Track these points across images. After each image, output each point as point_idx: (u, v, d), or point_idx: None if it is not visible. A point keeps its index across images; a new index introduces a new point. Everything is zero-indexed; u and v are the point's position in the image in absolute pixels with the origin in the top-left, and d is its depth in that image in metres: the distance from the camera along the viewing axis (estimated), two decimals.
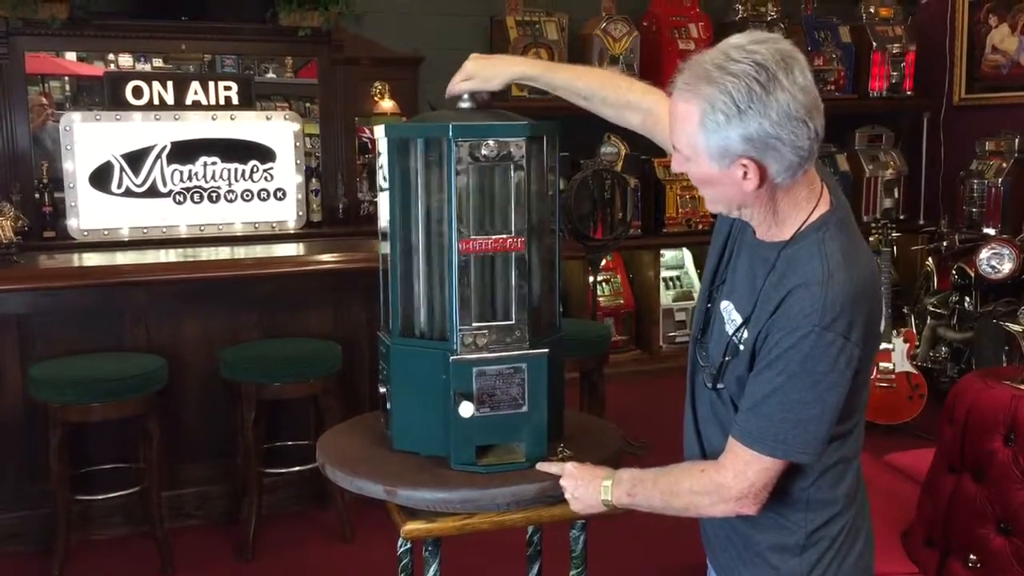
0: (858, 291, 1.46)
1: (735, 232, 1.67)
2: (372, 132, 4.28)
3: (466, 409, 1.82)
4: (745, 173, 1.45)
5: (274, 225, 5.20)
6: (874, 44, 6.55)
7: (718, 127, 1.42)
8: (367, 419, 2.21)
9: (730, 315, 1.58)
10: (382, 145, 1.99)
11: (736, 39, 1.44)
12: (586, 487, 1.73)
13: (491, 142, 1.83)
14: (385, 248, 2.03)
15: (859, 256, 1.51)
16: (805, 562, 1.58)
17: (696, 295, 6.37)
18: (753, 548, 1.63)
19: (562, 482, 1.77)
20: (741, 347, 1.54)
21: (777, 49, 1.41)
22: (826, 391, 1.45)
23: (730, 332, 1.57)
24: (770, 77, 1.39)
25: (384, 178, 1.99)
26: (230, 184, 5.08)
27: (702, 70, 1.43)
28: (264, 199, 5.17)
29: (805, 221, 1.51)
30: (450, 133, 1.82)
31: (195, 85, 5.04)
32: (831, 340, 1.43)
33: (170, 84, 4.99)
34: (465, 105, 1.98)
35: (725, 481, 1.53)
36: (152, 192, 4.95)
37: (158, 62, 6.31)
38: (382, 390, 2.02)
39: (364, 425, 2.16)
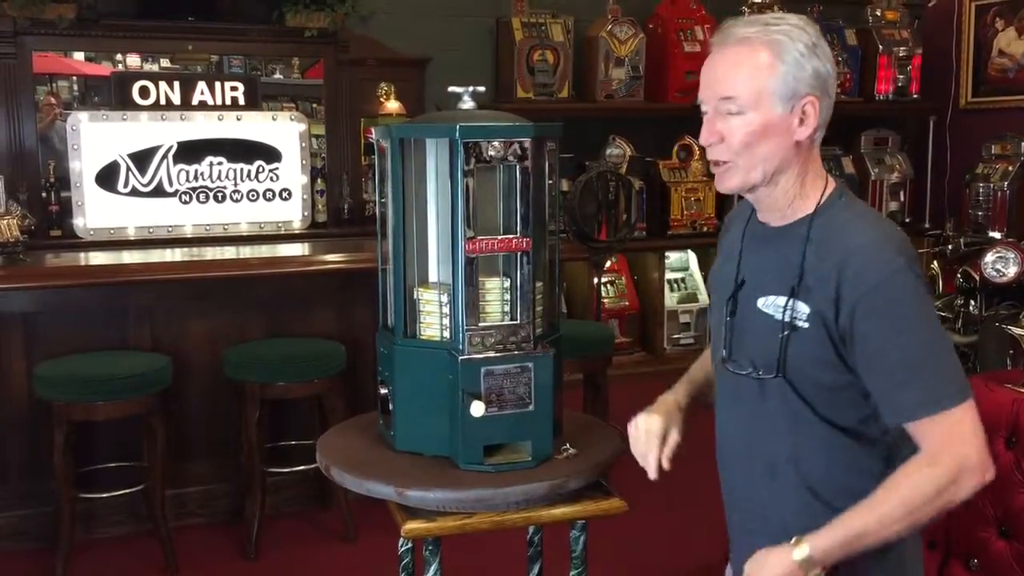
0: (904, 237, 1.53)
1: (731, 238, 1.71)
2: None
3: (477, 408, 1.83)
4: (802, 119, 1.51)
5: (279, 225, 5.21)
6: (880, 47, 6.55)
7: (800, 58, 1.49)
8: (362, 421, 2.22)
9: (773, 304, 1.56)
10: (384, 145, 2.00)
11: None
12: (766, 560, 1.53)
13: (497, 143, 1.84)
14: (384, 248, 2.04)
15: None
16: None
17: (701, 297, 6.39)
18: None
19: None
20: (801, 323, 1.51)
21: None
22: (933, 326, 1.49)
23: (777, 316, 1.54)
24: (817, 30, 1.53)
25: (384, 178, 2.00)
26: (236, 184, 5.10)
27: (756, 25, 1.52)
28: (270, 199, 5.18)
29: (824, 192, 1.57)
30: (456, 134, 1.83)
31: (202, 85, 5.06)
32: (915, 276, 1.46)
33: (177, 84, 5.01)
34: (468, 106, 1.99)
35: (960, 456, 1.43)
36: (158, 192, 4.96)
37: (165, 62, 6.31)
38: (383, 391, 2.03)
39: (360, 427, 2.17)
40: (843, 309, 1.46)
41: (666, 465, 1.67)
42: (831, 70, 1.52)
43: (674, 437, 1.71)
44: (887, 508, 1.45)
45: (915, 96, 6.66)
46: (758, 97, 1.50)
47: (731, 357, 1.63)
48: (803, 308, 1.51)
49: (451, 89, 2.02)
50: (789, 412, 1.55)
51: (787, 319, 1.52)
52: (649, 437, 1.67)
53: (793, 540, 1.48)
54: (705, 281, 6.50)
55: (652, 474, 1.66)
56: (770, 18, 1.53)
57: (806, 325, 1.51)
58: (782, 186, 1.56)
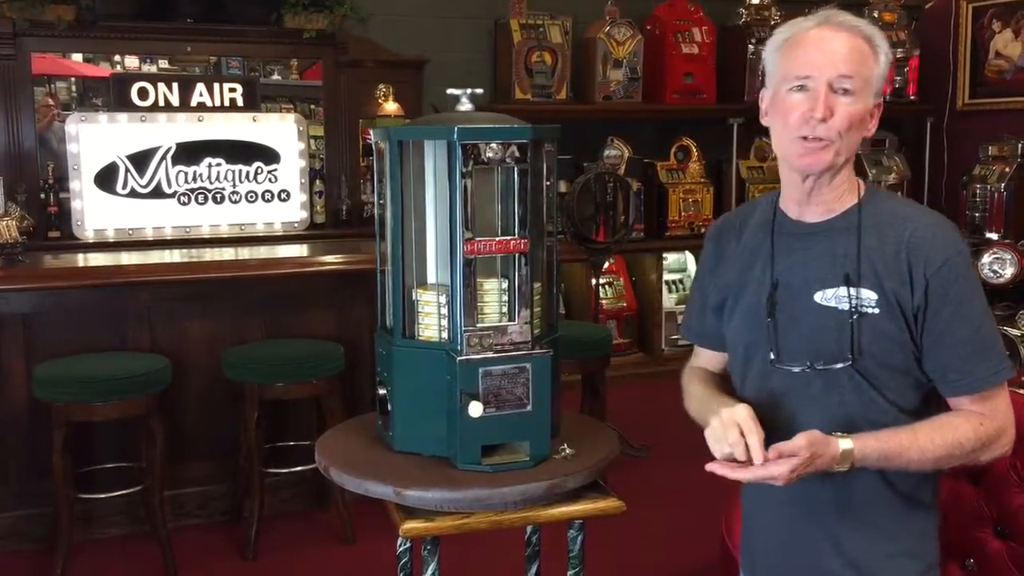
0: None
1: (747, 244, 1.72)
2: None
3: (475, 409, 1.83)
4: (872, 114, 1.60)
5: (278, 226, 5.21)
6: None
7: (884, 62, 1.59)
8: (360, 422, 2.22)
9: (835, 296, 1.59)
10: (383, 146, 2.01)
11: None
12: (820, 446, 1.51)
13: (495, 144, 1.85)
14: (383, 249, 2.05)
15: None
16: (933, 516, 1.70)
17: None
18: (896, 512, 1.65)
19: (787, 461, 1.49)
20: (868, 309, 1.57)
21: None
22: (986, 303, 1.60)
23: (841, 306, 1.58)
24: None
25: (382, 179, 2.01)
26: (234, 185, 5.10)
27: (844, 15, 1.59)
28: (268, 200, 5.18)
29: (860, 186, 1.65)
30: (455, 135, 1.83)
31: (200, 87, 5.06)
32: (970, 255, 1.60)
33: (175, 86, 5.01)
34: (466, 107, 2.00)
35: (1004, 425, 1.59)
36: (157, 193, 4.96)
37: (164, 64, 6.31)
38: (381, 392, 2.04)
39: (358, 428, 2.18)
40: (916, 287, 1.54)
41: (769, 454, 1.50)
42: None
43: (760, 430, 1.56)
44: (931, 443, 1.54)
45: (912, 98, 6.67)
46: (865, 85, 1.57)
47: (780, 360, 1.64)
48: (869, 295, 1.57)
49: (449, 91, 2.03)
50: (858, 400, 1.60)
51: (852, 307, 1.57)
52: (746, 422, 1.52)
53: (838, 433, 1.54)
54: None
55: (758, 456, 1.49)
56: (849, 15, 1.60)
57: (875, 311, 1.57)
58: (842, 175, 1.62)
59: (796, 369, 1.62)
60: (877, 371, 1.58)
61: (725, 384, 1.82)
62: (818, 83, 1.55)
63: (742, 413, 1.54)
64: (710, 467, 1.55)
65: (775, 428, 1.58)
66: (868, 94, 1.57)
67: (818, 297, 1.61)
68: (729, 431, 1.52)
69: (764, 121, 1.69)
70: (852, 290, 1.57)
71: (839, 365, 1.58)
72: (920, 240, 1.55)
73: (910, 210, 1.62)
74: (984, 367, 1.57)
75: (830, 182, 1.61)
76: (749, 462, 1.50)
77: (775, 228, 1.68)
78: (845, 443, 1.52)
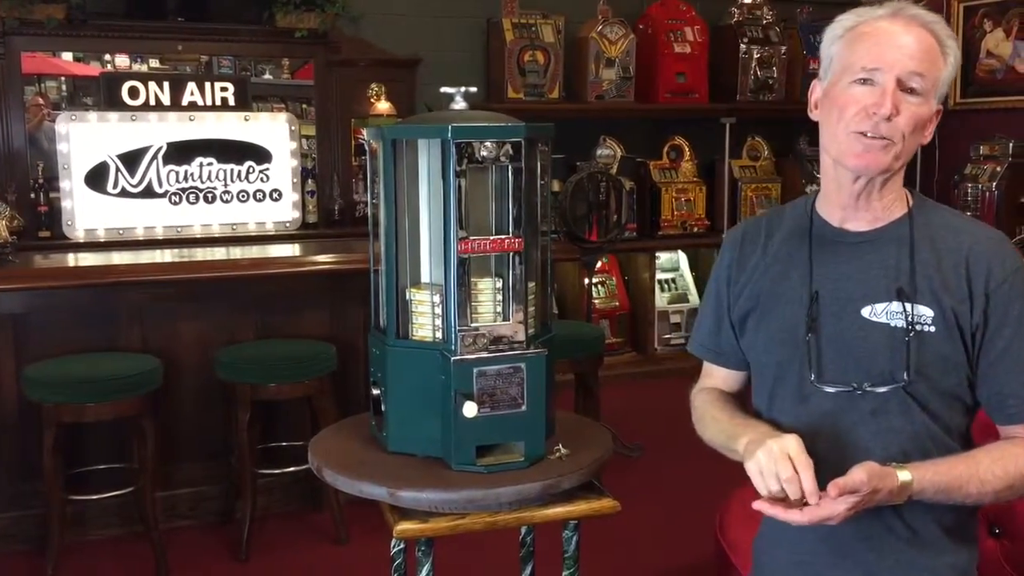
0: None
1: (779, 253, 1.60)
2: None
3: (470, 409, 1.82)
4: (932, 119, 1.49)
5: (270, 226, 5.20)
6: None
7: (954, 65, 1.47)
8: (354, 422, 2.21)
9: (886, 311, 1.48)
10: (376, 146, 2.00)
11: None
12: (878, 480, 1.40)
13: (489, 143, 1.84)
14: (376, 248, 2.04)
15: None
16: (972, 552, 1.57)
17: (692, 297, 6.40)
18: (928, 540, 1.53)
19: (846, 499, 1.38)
20: (924, 327, 1.46)
21: None
22: None
23: (893, 323, 1.47)
24: None
25: (375, 178, 2.00)
26: (226, 185, 5.08)
27: (933, 15, 1.47)
28: (260, 200, 5.17)
29: (909, 196, 1.56)
30: (449, 134, 1.83)
31: (191, 86, 5.04)
32: None
33: (166, 85, 4.99)
34: (460, 106, 1.99)
35: None
36: (148, 193, 4.94)
37: (154, 63, 6.30)
38: (375, 392, 2.03)
39: (351, 428, 2.17)
40: (976, 304, 1.45)
41: (829, 491, 1.38)
42: None
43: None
44: (992, 474, 1.44)
45: None
46: (933, 86, 1.46)
47: (821, 377, 1.52)
48: (926, 312, 1.46)
49: (443, 90, 2.02)
50: (908, 426, 1.49)
51: (907, 324, 1.46)
52: (799, 456, 1.38)
53: (894, 464, 1.43)
54: (696, 282, 6.53)
55: (814, 497, 1.36)
56: (912, 8, 1.49)
57: (932, 329, 1.46)
58: (894, 182, 1.52)
59: (838, 391, 1.50)
60: (928, 394, 1.48)
61: (743, 407, 1.70)
62: (887, 77, 1.43)
63: (794, 447, 1.39)
64: (758, 505, 1.40)
65: (813, 456, 1.42)
66: (933, 96, 1.47)
67: (866, 312, 1.49)
68: (781, 466, 1.37)
69: (813, 115, 1.57)
70: (907, 306, 1.45)
71: (888, 387, 1.47)
72: (980, 254, 1.46)
73: (965, 222, 1.53)
74: None
75: (881, 188, 1.50)
76: (801, 500, 1.37)
77: (813, 236, 1.57)
78: (904, 475, 1.41)
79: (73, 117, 4.86)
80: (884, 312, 1.48)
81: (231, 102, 5.10)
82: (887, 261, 1.49)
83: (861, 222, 1.53)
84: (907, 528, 1.52)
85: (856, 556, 1.54)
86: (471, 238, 1.85)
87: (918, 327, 1.45)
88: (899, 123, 1.44)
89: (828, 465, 1.43)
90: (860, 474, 1.36)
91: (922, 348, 1.46)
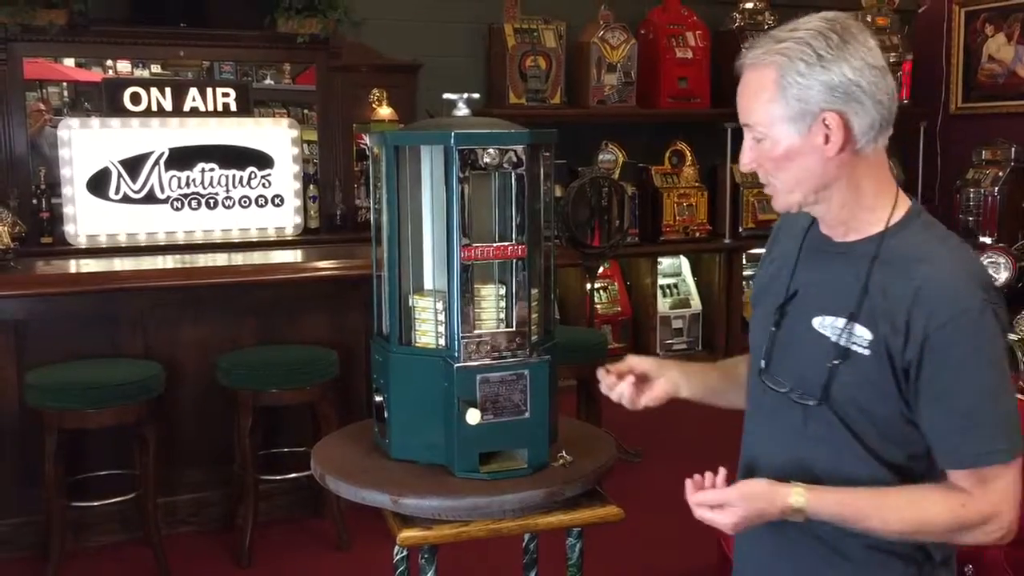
0: (984, 269, 1.46)
1: (784, 249, 1.62)
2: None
3: (473, 416, 1.82)
4: (827, 136, 1.40)
5: (271, 232, 5.20)
6: None
7: (799, 78, 1.39)
8: (357, 429, 2.21)
9: (831, 325, 1.47)
10: (379, 151, 2.00)
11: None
12: (763, 499, 1.45)
13: (492, 149, 1.84)
14: (379, 254, 2.03)
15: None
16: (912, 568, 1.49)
17: (693, 302, 6.40)
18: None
19: (725, 512, 1.46)
20: (858, 348, 1.42)
21: (843, 15, 1.44)
22: (1004, 371, 1.40)
23: (833, 338, 1.45)
24: (844, 28, 1.40)
25: (378, 184, 2.00)
26: (228, 190, 5.08)
27: (771, 38, 1.43)
28: (262, 205, 5.16)
29: (894, 206, 1.47)
30: (452, 140, 1.82)
31: (193, 91, 5.03)
32: (993, 315, 1.37)
33: (168, 90, 4.99)
34: (463, 112, 1.99)
35: (996, 510, 1.38)
36: (150, 198, 4.94)
37: (156, 68, 6.32)
38: (378, 399, 2.02)
39: (354, 435, 2.16)
40: (912, 340, 1.38)
41: (640, 404, 1.70)
42: (858, 75, 1.39)
43: (660, 385, 1.69)
44: (896, 515, 1.41)
45: (905, 102, 6.67)
46: (771, 123, 1.43)
47: (769, 370, 1.54)
48: (864, 334, 1.42)
49: (446, 96, 2.02)
50: (834, 442, 1.47)
51: (843, 343, 1.44)
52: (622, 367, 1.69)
53: (793, 484, 1.43)
54: (698, 287, 6.53)
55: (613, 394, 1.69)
56: (782, 31, 1.43)
57: (866, 352, 1.42)
58: (836, 200, 1.47)
59: (782, 390, 1.51)
60: (857, 416, 1.44)
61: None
62: (745, 131, 1.48)
63: (631, 361, 1.69)
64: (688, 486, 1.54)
65: (749, 444, 1.58)
66: (781, 129, 1.42)
67: (816, 322, 1.48)
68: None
69: None
70: (849, 324, 1.43)
71: (812, 401, 1.47)
72: (929, 290, 1.37)
73: (935, 251, 1.42)
74: (971, 446, 1.37)
75: (828, 210, 1.48)
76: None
77: (807, 238, 1.57)
78: (798, 499, 1.41)
79: (75, 123, 4.86)
80: (830, 325, 1.46)
81: (233, 108, 5.09)
82: (852, 276, 1.45)
83: (838, 233, 1.51)
84: (824, 544, 1.50)
85: (776, 567, 1.57)
86: (474, 245, 1.85)
87: (853, 347, 1.43)
88: (763, 168, 1.48)
89: (761, 455, 1.55)
90: (732, 492, 1.44)
91: (852, 369, 1.43)
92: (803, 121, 1.41)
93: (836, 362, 1.44)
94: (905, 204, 1.49)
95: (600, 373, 1.72)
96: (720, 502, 1.45)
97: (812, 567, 1.53)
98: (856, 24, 1.43)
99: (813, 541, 1.51)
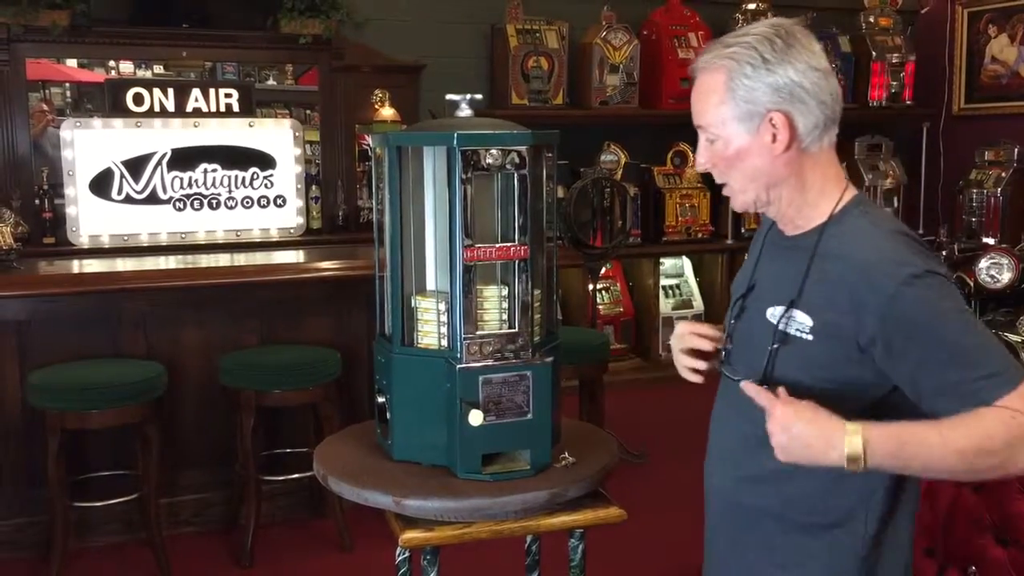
0: (918, 239, 1.50)
1: (754, 245, 1.71)
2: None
3: (476, 417, 1.82)
4: (774, 135, 1.48)
5: (274, 232, 5.20)
6: (874, 54, 6.57)
7: (746, 80, 1.47)
8: (359, 430, 2.21)
9: (777, 314, 1.52)
10: (381, 152, 2.00)
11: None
12: (814, 428, 1.40)
13: (495, 150, 1.83)
14: (382, 255, 2.03)
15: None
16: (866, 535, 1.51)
17: (696, 303, 6.40)
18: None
19: (777, 418, 1.42)
20: (799, 334, 1.48)
21: (789, 21, 1.52)
22: (971, 315, 1.44)
23: (774, 322, 1.51)
24: (788, 33, 1.48)
25: (381, 185, 1.99)
26: (230, 191, 5.08)
27: (719, 43, 1.52)
28: (264, 206, 5.17)
29: (840, 200, 1.54)
30: (455, 141, 1.82)
31: (196, 92, 5.04)
32: (935, 275, 1.41)
33: (171, 91, 4.99)
34: (465, 113, 1.99)
35: None
36: (152, 199, 4.94)
37: (159, 69, 6.32)
38: (380, 400, 2.02)
39: (356, 436, 2.16)
40: (865, 318, 1.41)
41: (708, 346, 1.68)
42: (801, 76, 1.46)
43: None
44: (958, 431, 1.35)
45: (908, 102, 6.67)
46: (721, 124, 1.51)
47: (729, 360, 1.63)
48: (805, 320, 1.48)
49: (449, 97, 2.02)
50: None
51: (781, 327, 1.50)
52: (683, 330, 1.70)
53: (849, 427, 1.37)
54: (700, 287, 6.53)
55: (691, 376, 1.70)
56: (731, 37, 1.52)
57: (808, 337, 1.48)
58: (785, 199, 1.55)
59: (736, 378, 1.57)
60: (805, 396, 1.44)
61: None
62: (700, 133, 1.56)
63: (681, 327, 1.71)
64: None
65: (713, 430, 1.68)
66: (731, 129, 1.50)
67: (768, 313, 1.54)
68: (675, 343, 1.72)
69: None
70: (788, 311, 1.49)
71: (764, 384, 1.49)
72: (867, 270, 1.42)
73: (869, 234, 1.48)
74: (982, 381, 1.37)
75: (777, 208, 1.56)
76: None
77: (768, 234, 1.67)
78: (853, 427, 1.37)
79: (77, 123, 4.86)
80: (777, 314, 1.53)
81: (235, 108, 5.10)
82: (796, 267, 1.52)
83: (787, 229, 1.59)
84: (772, 517, 1.55)
85: (728, 533, 1.65)
86: (477, 246, 1.85)
87: (794, 332, 1.49)
88: (717, 169, 1.56)
89: (718, 440, 1.66)
90: (778, 403, 1.42)
91: (793, 354, 1.49)
92: (751, 121, 1.49)
93: (775, 347, 1.51)
94: (848, 196, 1.56)
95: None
96: (766, 401, 1.44)
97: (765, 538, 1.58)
98: (801, 30, 1.51)
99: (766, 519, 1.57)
